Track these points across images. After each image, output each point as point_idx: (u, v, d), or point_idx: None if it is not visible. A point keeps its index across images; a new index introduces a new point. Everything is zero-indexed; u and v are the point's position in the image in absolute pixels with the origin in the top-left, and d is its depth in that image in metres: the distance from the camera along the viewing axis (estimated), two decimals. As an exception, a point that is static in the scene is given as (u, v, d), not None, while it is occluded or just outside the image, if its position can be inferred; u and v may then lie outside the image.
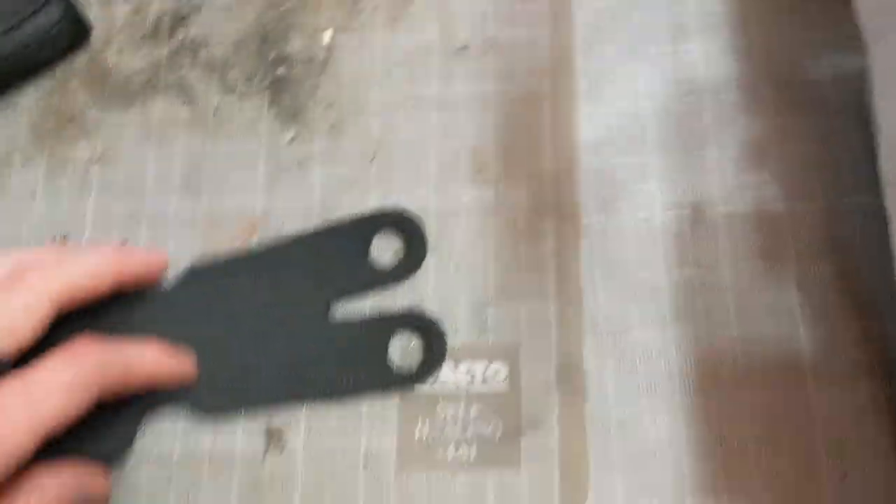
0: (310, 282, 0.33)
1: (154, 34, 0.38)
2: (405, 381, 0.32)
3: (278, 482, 0.31)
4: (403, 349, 0.33)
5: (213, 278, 0.33)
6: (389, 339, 0.32)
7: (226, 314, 0.33)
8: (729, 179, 0.33)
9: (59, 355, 0.27)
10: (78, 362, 0.27)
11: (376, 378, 0.32)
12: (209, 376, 0.32)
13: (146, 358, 0.30)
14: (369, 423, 0.32)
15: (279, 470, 0.31)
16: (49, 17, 0.36)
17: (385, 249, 0.34)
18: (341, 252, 0.34)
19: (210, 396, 0.32)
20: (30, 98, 0.38)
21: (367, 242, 0.34)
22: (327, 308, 0.33)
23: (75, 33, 0.37)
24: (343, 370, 0.32)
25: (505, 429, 0.31)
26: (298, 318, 0.33)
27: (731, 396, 0.31)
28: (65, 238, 0.35)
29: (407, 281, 0.33)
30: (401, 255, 0.34)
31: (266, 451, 0.32)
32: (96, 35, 0.38)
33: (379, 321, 0.33)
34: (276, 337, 0.33)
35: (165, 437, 0.32)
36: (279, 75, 0.37)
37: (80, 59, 0.38)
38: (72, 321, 0.30)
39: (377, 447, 0.31)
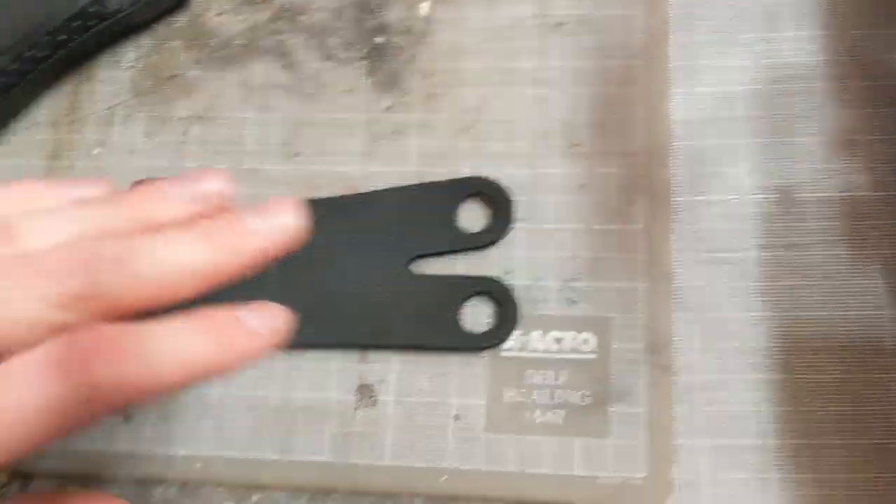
0: (396, 232, 0.34)
1: (254, -2, 0.39)
2: (475, 343, 0.33)
3: (369, 434, 0.32)
4: (477, 314, 0.34)
5: (308, 214, 0.35)
6: (463, 300, 0.34)
7: (316, 249, 0.34)
8: (817, 165, 0.34)
9: (44, 360, 0.19)
10: (65, 377, 0.19)
11: (447, 336, 0.33)
12: (292, 308, 0.34)
13: (184, 359, 0.20)
14: (458, 383, 0.33)
15: (370, 422, 0.33)
16: (154, -23, 0.37)
17: (473, 217, 0.35)
18: (429, 210, 0.35)
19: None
20: (131, 56, 0.39)
21: (456, 205, 0.35)
22: (409, 261, 0.34)
23: (178, -6, 0.38)
24: (417, 322, 0.33)
25: (593, 397, 0.32)
26: (381, 265, 0.34)
27: (815, 374, 0.32)
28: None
29: (495, 249, 0.34)
30: (487, 223, 0.35)
31: (357, 405, 0.33)
32: (197, -3, 0.39)
33: (456, 281, 0.34)
34: (358, 278, 0.34)
35: (262, 385, 0.33)
36: (377, 44, 0.37)
37: (181, 20, 0.39)
38: None
39: (466, 408, 0.32)
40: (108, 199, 0.23)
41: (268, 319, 0.22)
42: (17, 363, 0.19)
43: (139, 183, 0.36)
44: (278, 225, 0.22)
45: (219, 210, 0.23)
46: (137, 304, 0.20)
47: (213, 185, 0.23)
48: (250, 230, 0.22)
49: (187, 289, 0.21)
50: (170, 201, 0.22)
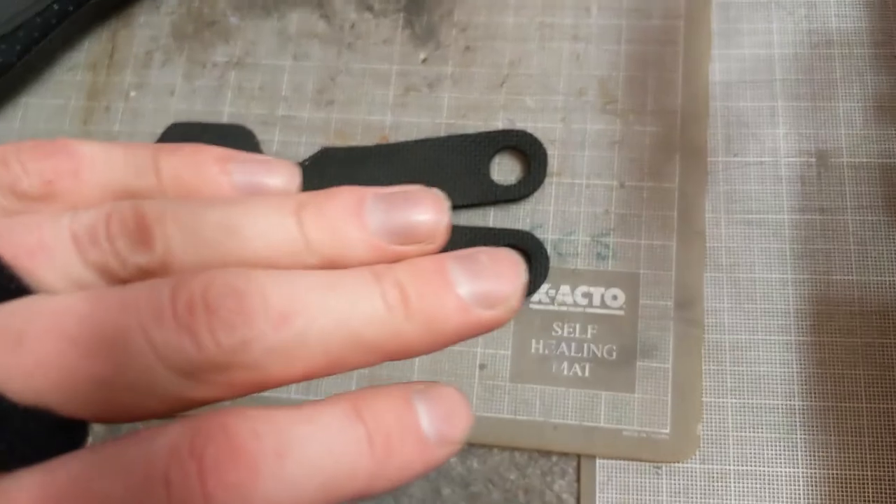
0: (428, 183, 0.34)
1: (294, -51, 0.39)
2: None
3: (395, 379, 0.32)
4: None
5: (343, 161, 0.35)
6: None
7: None
8: (855, 131, 0.34)
9: (144, 471, 0.13)
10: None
11: None
12: None
13: (328, 477, 0.14)
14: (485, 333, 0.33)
15: (396, 367, 0.33)
16: (197, -77, 0.38)
17: (506, 170, 0.35)
18: (463, 162, 0.35)
19: None
20: (172, 2, 0.39)
21: (489, 158, 0.35)
22: None
23: (219, -58, 0.39)
24: None
25: (620, 351, 0.32)
26: None
27: (843, 338, 0.31)
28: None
29: (526, 203, 0.34)
30: (520, 176, 0.35)
31: (386, 352, 0.33)
32: (238, -54, 0.39)
33: (487, 233, 0.34)
34: None
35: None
36: (415, -4, 0.37)
37: (221, -32, 0.39)
38: None
39: (492, 357, 0.32)
40: (291, 202, 0.16)
41: (447, 423, 0.15)
42: (108, 468, 0.13)
43: (177, 127, 0.36)
44: (495, 294, 0.16)
45: (419, 250, 0.17)
46: (285, 379, 0.14)
47: (428, 216, 0.17)
48: (458, 294, 0.15)
49: (354, 363, 0.15)
50: (367, 231, 0.16)
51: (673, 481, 0.31)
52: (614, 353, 0.32)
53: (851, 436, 0.30)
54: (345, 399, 0.15)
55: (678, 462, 0.31)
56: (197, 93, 0.37)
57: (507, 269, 0.16)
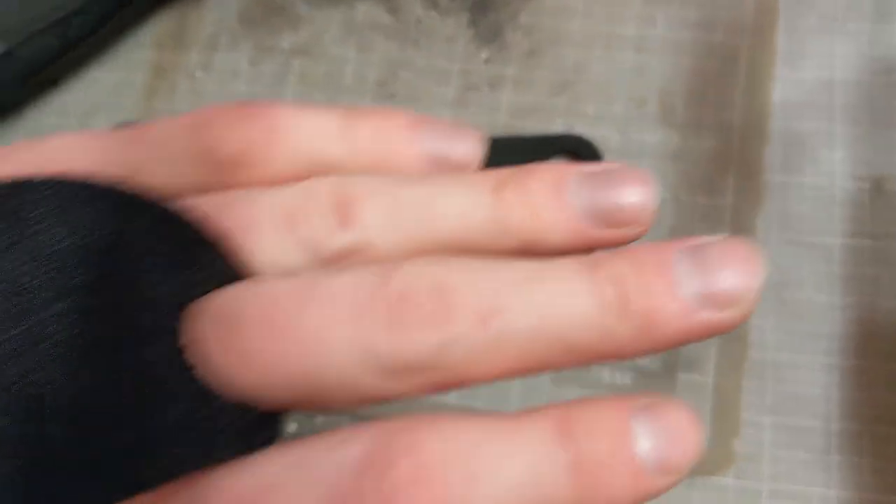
0: None
1: (365, -59, 0.39)
2: None
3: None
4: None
5: None
6: None
7: None
8: (913, 160, 0.34)
9: (326, 493, 0.13)
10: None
11: None
12: None
13: None
14: (530, 335, 0.33)
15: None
16: None
17: (559, 178, 0.35)
18: (519, 162, 0.35)
19: None
20: (241, -14, 0.40)
21: (545, 160, 0.35)
22: None
23: (292, -70, 0.39)
24: None
25: (662, 363, 0.32)
26: None
27: (887, 364, 0.32)
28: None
29: (577, 211, 0.35)
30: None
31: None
32: (309, -66, 0.40)
33: None
34: None
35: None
36: (482, -3, 0.38)
37: (292, -44, 0.40)
38: None
39: (536, 359, 0.33)
40: (490, 180, 0.15)
41: (670, 448, 0.13)
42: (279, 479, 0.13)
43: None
44: (726, 294, 0.14)
45: (621, 235, 0.15)
46: (483, 379, 0.14)
47: (636, 197, 0.15)
48: (682, 295, 0.13)
49: (557, 365, 0.14)
50: (569, 212, 0.15)
51: (705, 494, 0.31)
52: (657, 364, 0.32)
53: (885, 461, 0.31)
54: (552, 414, 0.13)
55: (712, 475, 0.31)
56: (261, 77, 0.38)
57: (742, 263, 0.14)
